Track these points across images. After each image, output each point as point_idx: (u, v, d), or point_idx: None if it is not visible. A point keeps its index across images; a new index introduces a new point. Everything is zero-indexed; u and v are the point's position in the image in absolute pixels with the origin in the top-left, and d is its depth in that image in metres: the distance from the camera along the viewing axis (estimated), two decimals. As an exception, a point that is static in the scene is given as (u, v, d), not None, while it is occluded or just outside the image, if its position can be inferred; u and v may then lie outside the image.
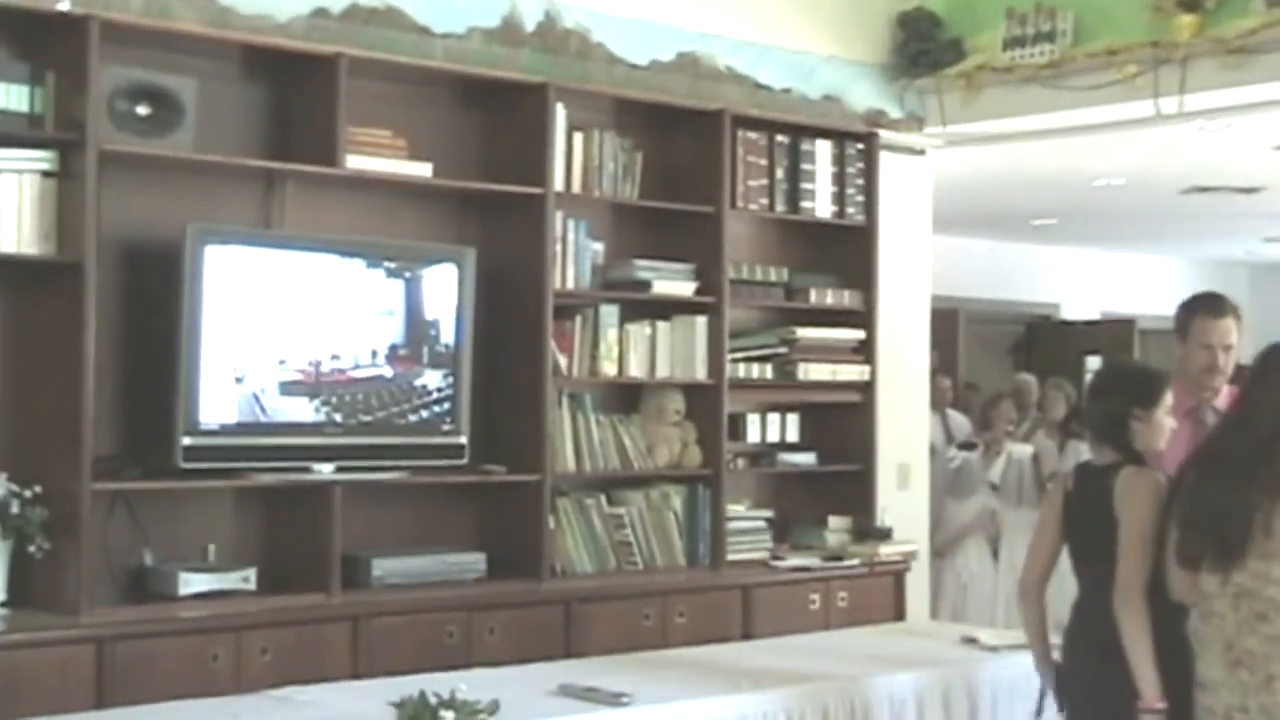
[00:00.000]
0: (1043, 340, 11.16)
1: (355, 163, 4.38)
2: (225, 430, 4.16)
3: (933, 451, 6.35)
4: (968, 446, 7.06)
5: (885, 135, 5.61)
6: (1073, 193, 8.20)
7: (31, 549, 3.88)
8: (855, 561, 5.26)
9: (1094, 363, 10.13)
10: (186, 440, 4.07)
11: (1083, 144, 6.15)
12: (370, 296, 4.44)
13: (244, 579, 4.18)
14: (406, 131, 4.53)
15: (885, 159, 5.58)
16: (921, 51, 5.65)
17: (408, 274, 4.49)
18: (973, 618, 6.39)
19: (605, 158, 4.92)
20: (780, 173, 5.27)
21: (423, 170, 4.55)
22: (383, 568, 4.40)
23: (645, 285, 4.98)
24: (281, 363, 4.27)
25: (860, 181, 5.46)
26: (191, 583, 4.09)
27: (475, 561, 4.59)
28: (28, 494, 3.89)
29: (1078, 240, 10.68)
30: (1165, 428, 3.46)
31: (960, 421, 7.86)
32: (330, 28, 4.48)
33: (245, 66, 4.40)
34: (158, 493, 4.17)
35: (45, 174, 3.92)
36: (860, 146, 5.48)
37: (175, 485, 4.13)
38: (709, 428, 5.10)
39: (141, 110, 4.04)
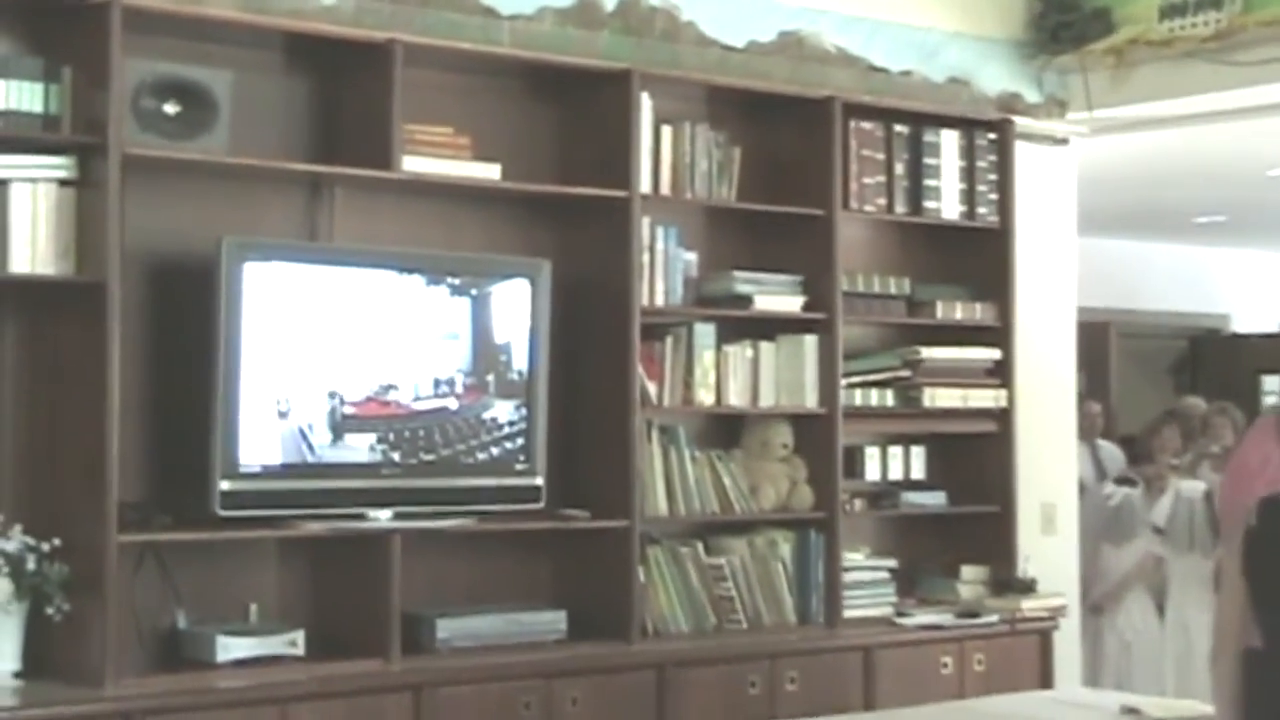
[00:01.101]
0: (1210, 357, 11.00)
1: (412, 165, 4.40)
2: (268, 473, 4.18)
3: (1082, 489, 6.30)
4: (1126, 482, 6.98)
5: (1021, 122, 5.61)
6: (1244, 185, 8.11)
7: (50, 611, 3.90)
8: (994, 618, 5.23)
9: (1272, 382, 9.88)
10: (224, 484, 4.09)
11: (1255, 127, 6.10)
12: (432, 318, 4.46)
13: (290, 643, 4.19)
14: (470, 128, 4.55)
15: (1022, 150, 5.57)
16: (1063, 24, 5.63)
17: (474, 291, 4.52)
18: (1137, 684, 6.35)
19: (697, 154, 4.92)
20: (900, 168, 5.27)
21: (489, 172, 4.56)
22: (448, 629, 4.42)
23: (745, 300, 4.98)
24: (331, 395, 4.29)
25: (993, 177, 5.45)
26: (231, 648, 4.10)
27: (554, 621, 4.60)
28: (45, 548, 3.91)
29: (1250, 240, 10.50)
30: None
31: (1113, 453, 7.78)
32: (382, 11, 4.50)
33: (286, 57, 4.43)
34: (192, 545, 4.18)
35: (62, 183, 3.94)
36: (992, 136, 5.48)
37: (212, 536, 4.14)
38: (821, 464, 5.10)
39: (170, 108, 4.07)
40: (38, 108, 3.90)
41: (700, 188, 4.93)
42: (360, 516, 4.30)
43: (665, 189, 4.86)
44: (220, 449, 4.08)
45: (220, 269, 4.08)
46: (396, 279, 4.41)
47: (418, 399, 4.42)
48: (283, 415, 4.20)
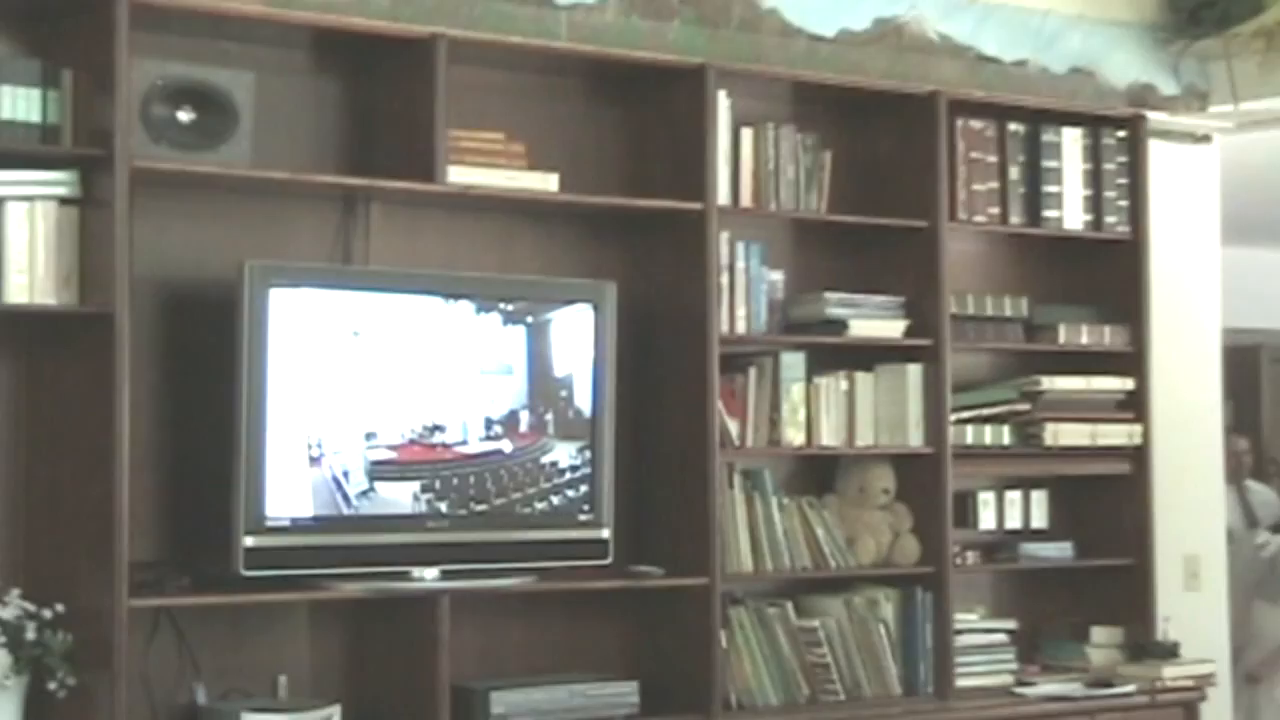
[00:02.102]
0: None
1: (459, 176, 4.40)
2: (298, 527, 4.18)
3: (1231, 538, 6.28)
4: (1282, 530, 6.90)
5: (1155, 118, 5.60)
6: None
7: (53, 685, 3.88)
8: (1130, 688, 5.19)
9: None
10: (249, 540, 4.09)
11: None
12: (482, 349, 4.46)
13: None
14: (524, 134, 4.57)
15: (1156, 149, 5.56)
16: (1204, 4, 5.64)
17: (530, 319, 4.52)
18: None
19: (782, 160, 4.92)
20: (1015, 172, 5.27)
21: (546, 184, 4.57)
22: (505, 703, 4.39)
23: (839, 326, 4.98)
24: (369, 437, 4.29)
25: (1122, 180, 5.43)
26: None
27: (625, 694, 4.58)
28: (46, 614, 3.90)
29: None
30: None
31: (1266, 496, 7.74)
32: (424, 3, 4.53)
33: (315, 56, 4.45)
34: (213, 609, 4.18)
35: (63, 201, 3.95)
36: (1121, 134, 5.47)
37: (235, 599, 4.14)
38: (928, 512, 5.09)
39: (184, 116, 4.08)
40: (35, 117, 3.91)
41: (786, 198, 4.93)
42: (403, 575, 4.30)
43: (746, 200, 4.86)
44: (244, 500, 4.08)
45: (243, 297, 4.08)
46: (442, 306, 4.41)
47: (467, 442, 4.42)
48: (314, 462, 4.20)
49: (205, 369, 4.20)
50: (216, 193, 4.27)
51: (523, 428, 4.50)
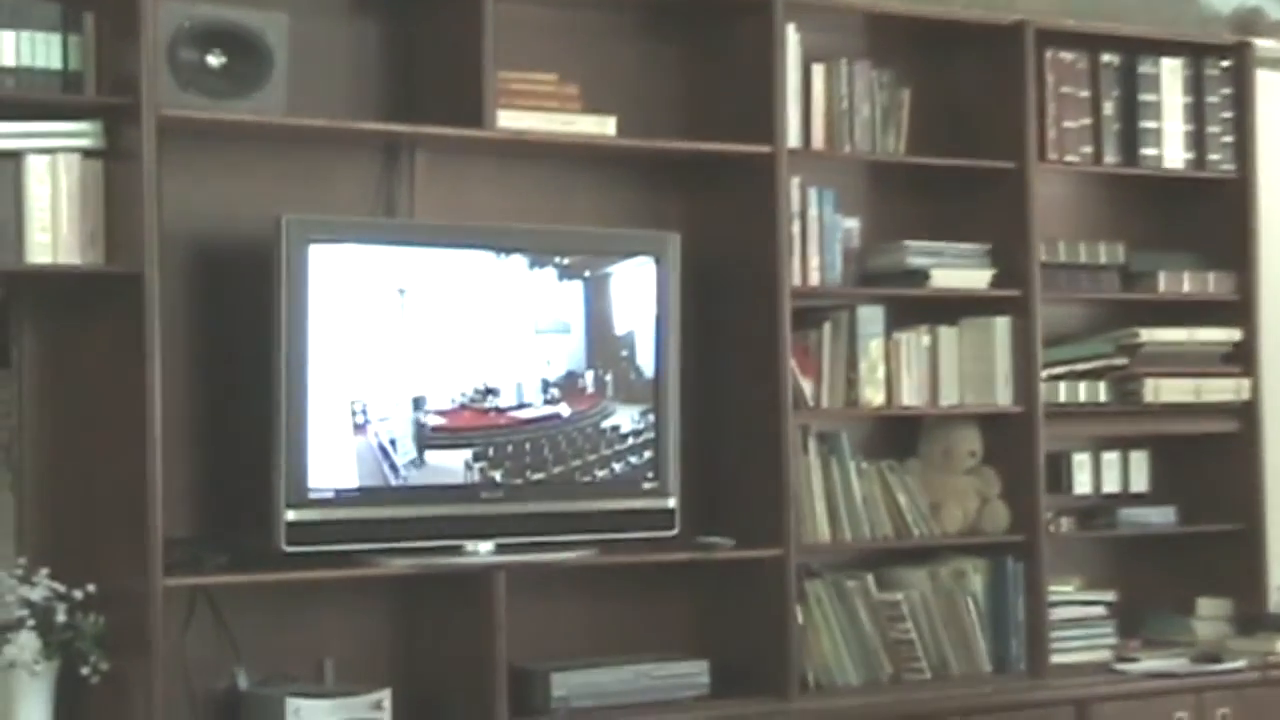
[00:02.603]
0: None
1: (509, 121, 4.40)
2: (343, 499, 4.19)
3: None
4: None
5: (1263, 46, 5.53)
6: None
7: (85, 671, 3.89)
8: (1240, 664, 5.13)
9: None
10: (291, 515, 4.11)
11: None
12: (537, 307, 4.47)
13: (375, 705, 4.16)
14: (579, 75, 4.56)
15: (1264, 80, 5.50)
16: None
17: (587, 273, 4.52)
18: None
19: (857, 98, 4.90)
20: (1109, 108, 5.23)
21: (604, 127, 4.56)
22: (567, 685, 4.41)
23: (920, 276, 4.96)
24: (418, 403, 4.30)
25: (1227, 115, 5.39)
26: (303, 712, 4.07)
27: (695, 674, 4.60)
28: (78, 596, 3.91)
29: None
30: None
31: None
32: None
33: None
34: (253, 588, 4.19)
35: (86, 153, 3.95)
36: (1226, 64, 5.42)
37: (278, 577, 4.15)
38: (1018, 476, 5.07)
39: (214, 60, 4.08)
40: (55, 63, 3.92)
41: (861, 139, 4.91)
42: (456, 550, 4.32)
43: (818, 142, 4.84)
44: (285, 472, 4.10)
45: (280, 254, 4.09)
46: (493, 261, 4.42)
47: (521, 406, 4.44)
48: (359, 429, 4.22)
49: (241, 332, 4.21)
50: (250, 143, 4.27)
51: (582, 390, 4.52)
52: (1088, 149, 5.18)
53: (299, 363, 4.11)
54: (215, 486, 4.25)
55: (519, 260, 4.44)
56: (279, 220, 4.10)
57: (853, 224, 4.94)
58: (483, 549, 4.34)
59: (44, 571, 3.93)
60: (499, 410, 4.40)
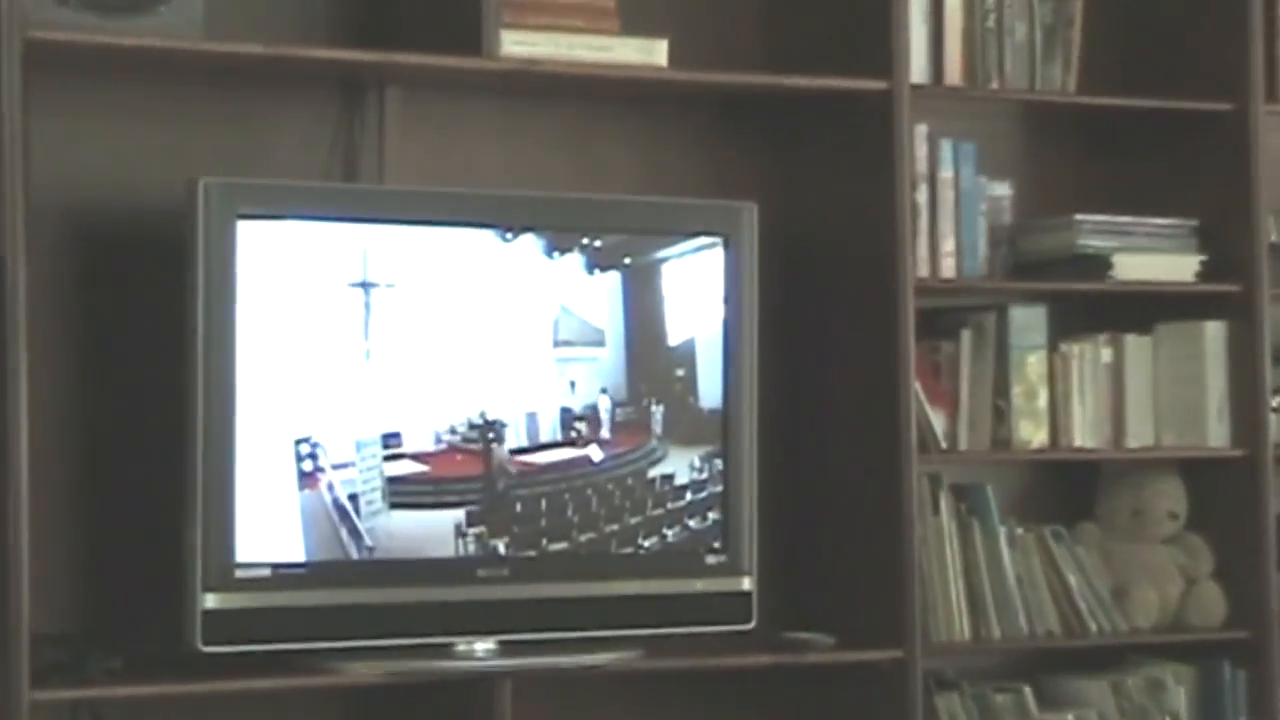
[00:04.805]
0: None
1: (516, 46, 4.38)
2: (284, 578, 4.13)
3: None
4: None
5: None
6: None
7: None
8: None
9: None
10: (210, 600, 4.05)
11: None
12: (557, 309, 4.42)
13: None
14: None
15: None
16: None
17: (627, 261, 4.48)
18: None
19: (1009, 17, 4.92)
20: None
21: (650, 55, 4.52)
22: None
23: (1098, 264, 4.93)
24: (388, 440, 4.25)
25: None
26: None
27: None
28: None
29: None
30: None
31: None
32: None
33: None
34: (158, 703, 4.15)
35: None
36: None
37: (192, 689, 4.10)
38: (1239, 546, 5.04)
39: None
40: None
41: (1015, 73, 4.91)
42: (443, 650, 4.26)
43: (953, 76, 4.83)
44: (202, 540, 4.04)
45: (197, 233, 4.03)
46: (494, 244, 4.36)
47: (535, 448, 4.39)
48: (307, 480, 4.16)
49: (141, 344, 4.22)
50: (154, 78, 4.28)
51: (620, 426, 4.47)
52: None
53: (223, 386, 4.07)
54: (104, 562, 4.25)
55: (531, 243, 4.39)
56: (195, 186, 4.04)
57: (1002, 190, 4.94)
58: (480, 648, 4.29)
59: None
60: (502, 452, 4.35)
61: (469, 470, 4.30)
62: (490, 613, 4.28)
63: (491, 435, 4.33)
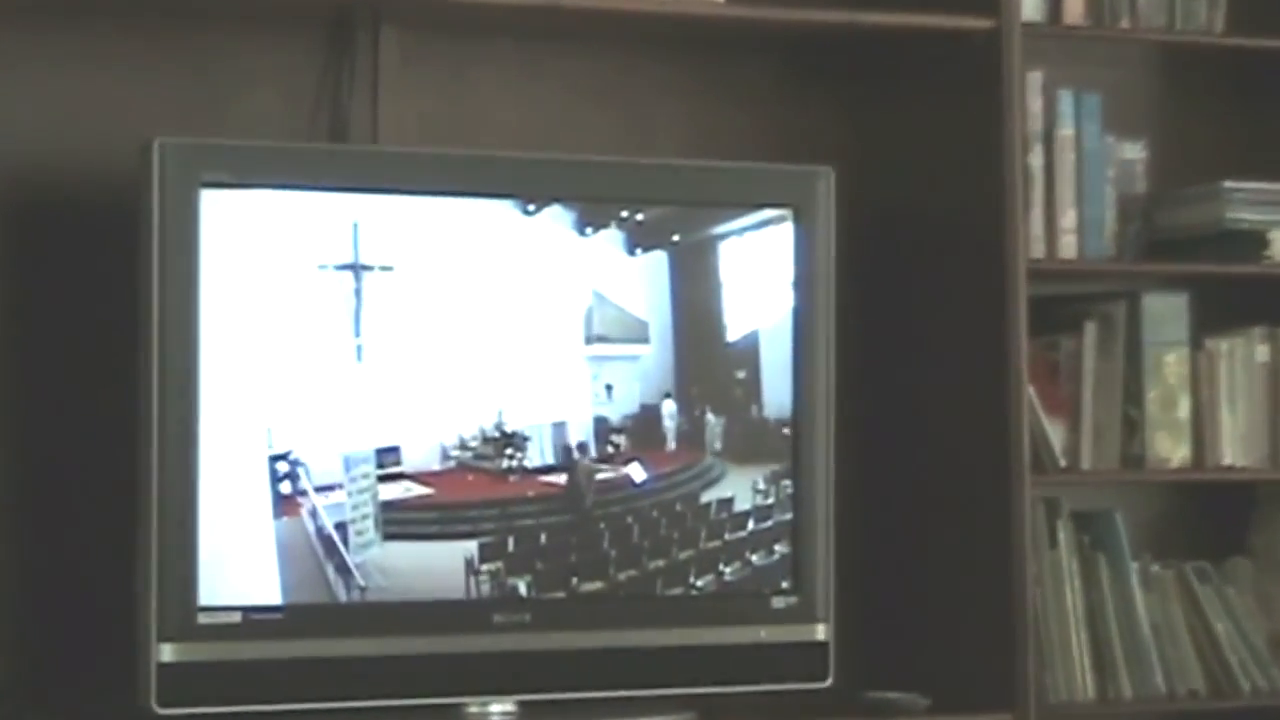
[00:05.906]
0: None
1: None
2: (258, 625, 4.11)
3: None
4: None
5: None
6: None
7: None
8: None
9: None
10: (167, 652, 4.02)
11: None
12: (588, 296, 4.42)
13: None
14: None
15: None
16: None
17: (676, 238, 4.48)
18: None
19: None
20: None
21: None
22: None
23: (1252, 242, 4.91)
24: (384, 455, 4.26)
25: None
26: None
27: None
28: None
29: None
30: None
31: None
32: None
33: None
34: None
35: None
36: None
37: None
38: None
39: None
40: None
41: (1149, 9, 4.90)
42: (451, 713, 4.25)
43: (1074, 15, 4.82)
44: (157, 580, 4.01)
45: (152, 202, 4.01)
46: (512, 217, 4.35)
47: (562, 464, 4.37)
48: (284, 502, 4.15)
49: (87, 337, 4.25)
50: (100, 17, 4.31)
51: (666, 439, 4.44)
52: None
53: (184, 391, 4.05)
54: (39, 606, 4.27)
55: (558, 216, 4.39)
56: (149, 147, 4.03)
57: (1134, 153, 4.96)
58: (496, 711, 4.28)
59: None
60: (523, 471, 4.32)
61: (482, 494, 4.31)
62: (508, 667, 4.26)
63: (510, 451, 4.33)
